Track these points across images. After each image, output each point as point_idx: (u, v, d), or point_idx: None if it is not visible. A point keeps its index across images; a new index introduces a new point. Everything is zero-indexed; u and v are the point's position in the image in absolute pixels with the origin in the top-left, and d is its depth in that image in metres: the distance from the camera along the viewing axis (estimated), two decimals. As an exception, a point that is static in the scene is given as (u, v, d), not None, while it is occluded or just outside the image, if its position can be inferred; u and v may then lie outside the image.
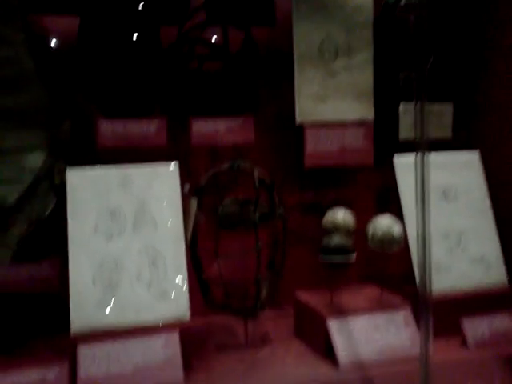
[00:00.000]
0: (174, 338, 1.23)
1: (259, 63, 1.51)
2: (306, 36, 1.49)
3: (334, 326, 1.31)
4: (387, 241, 1.34)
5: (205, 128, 1.45)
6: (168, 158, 1.39)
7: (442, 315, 1.20)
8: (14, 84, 1.33)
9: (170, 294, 1.29)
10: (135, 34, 1.41)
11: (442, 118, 1.58)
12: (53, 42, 1.52)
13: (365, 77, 1.52)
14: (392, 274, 1.49)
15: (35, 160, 1.34)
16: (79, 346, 1.18)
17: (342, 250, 1.33)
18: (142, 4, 1.42)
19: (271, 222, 1.37)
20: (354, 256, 1.35)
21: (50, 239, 1.35)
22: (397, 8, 1.49)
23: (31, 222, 1.32)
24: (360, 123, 1.53)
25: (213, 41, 1.52)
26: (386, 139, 1.57)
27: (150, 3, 1.43)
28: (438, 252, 1.42)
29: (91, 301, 1.25)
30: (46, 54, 1.46)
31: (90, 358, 1.17)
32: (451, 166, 1.54)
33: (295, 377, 1.25)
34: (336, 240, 1.33)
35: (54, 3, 1.49)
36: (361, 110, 1.52)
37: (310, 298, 1.47)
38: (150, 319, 1.26)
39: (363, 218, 1.42)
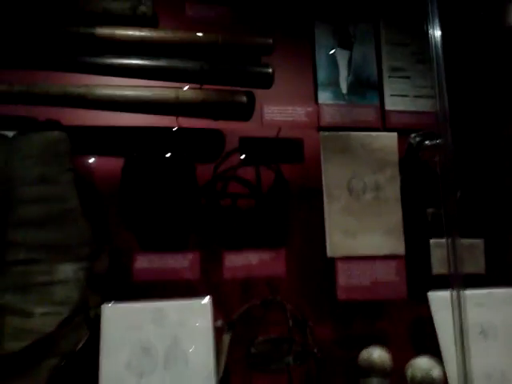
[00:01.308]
0: None
1: (290, 199, 1.58)
2: (334, 174, 1.56)
3: None
4: (427, 384, 1.29)
5: (237, 261, 1.48)
6: (201, 290, 1.41)
7: None
8: (60, 220, 1.41)
9: None
10: (173, 173, 1.51)
11: (473, 253, 1.58)
12: (97, 181, 1.64)
13: (393, 213, 1.56)
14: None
15: (72, 293, 1.37)
16: None
17: (379, 395, 1.28)
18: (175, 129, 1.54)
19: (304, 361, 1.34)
20: (392, 400, 1.29)
21: (80, 374, 1.33)
22: (420, 149, 1.57)
23: (64, 354, 1.32)
24: (392, 257, 1.54)
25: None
26: (418, 273, 1.56)
27: (188, 146, 1.55)
28: (480, 395, 1.35)
29: None
30: (91, 192, 1.56)
31: None
32: (488, 303, 1.50)
33: None
34: (373, 384, 1.29)
35: (100, 146, 1.62)
36: (391, 245, 1.54)
37: None
38: None
39: (399, 352, 1.38)
